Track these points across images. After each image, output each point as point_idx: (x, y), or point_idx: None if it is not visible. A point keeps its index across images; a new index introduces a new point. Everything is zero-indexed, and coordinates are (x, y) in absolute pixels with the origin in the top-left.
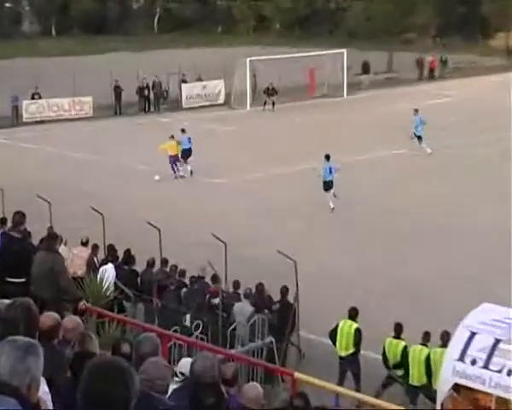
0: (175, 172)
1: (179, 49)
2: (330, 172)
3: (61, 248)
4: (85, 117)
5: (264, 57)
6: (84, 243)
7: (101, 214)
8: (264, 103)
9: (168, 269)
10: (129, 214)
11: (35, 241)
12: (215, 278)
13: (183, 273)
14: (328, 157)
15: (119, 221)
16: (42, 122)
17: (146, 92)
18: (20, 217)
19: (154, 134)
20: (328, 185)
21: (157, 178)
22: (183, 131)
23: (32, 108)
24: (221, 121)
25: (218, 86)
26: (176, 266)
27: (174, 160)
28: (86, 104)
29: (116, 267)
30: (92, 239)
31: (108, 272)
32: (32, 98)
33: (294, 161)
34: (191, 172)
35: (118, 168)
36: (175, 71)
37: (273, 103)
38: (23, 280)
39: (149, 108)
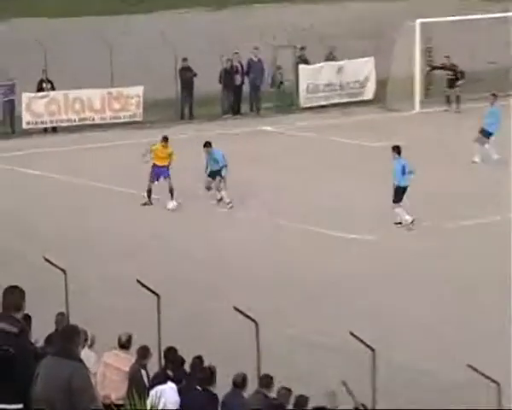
0: (149, 194)
1: (291, 5)
2: None
3: (85, 353)
4: (130, 122)
5: (448, 18)
6: (124, 345)
7: (156, 294)
8: (448, 99)
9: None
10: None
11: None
12: None
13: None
14: None
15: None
16: (54, 131)
17: (237, 79)
18: (16, 297)
19: (246, 154)
20: None
21: (171, 205)
22: (204, 145)
23: (39, 107)
24: (370, 132)
25: (364, 69)
26: (288, 390)
27: (159, 172)
28: (132, 100)
29: (182, 389)
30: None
31: (167, 395)
32: (39, 89)
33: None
34: (229, 204)
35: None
36: (283, 42)
37: (457, 98)
38: (17, 408)
39: (238, 107)
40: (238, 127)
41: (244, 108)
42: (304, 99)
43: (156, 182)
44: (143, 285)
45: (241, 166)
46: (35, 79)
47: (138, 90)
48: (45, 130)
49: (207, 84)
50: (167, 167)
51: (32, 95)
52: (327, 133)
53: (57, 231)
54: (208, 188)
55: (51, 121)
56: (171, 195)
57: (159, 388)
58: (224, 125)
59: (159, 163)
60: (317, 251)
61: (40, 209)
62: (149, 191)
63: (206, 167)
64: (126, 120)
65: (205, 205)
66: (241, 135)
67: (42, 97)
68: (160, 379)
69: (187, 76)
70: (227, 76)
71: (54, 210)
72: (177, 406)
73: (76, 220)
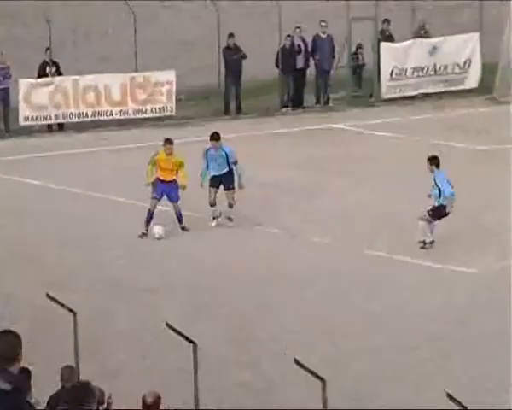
0: (148, 221)
1: None
2: None
3: None
4: (159, 117)
5: None
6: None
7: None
8: None
9: None
10: None
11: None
12: None
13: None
14: None
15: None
16: (60, 128)
17: (299, 62)
18: (10, 345)
19: (310, 159)
20: None
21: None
22: (214, 137)
23: (41, 97)
24: (470, 131)
25: (465, 49)
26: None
27: (164, 189)
28: (161, 89)
29: None
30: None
31: None
32: (42, 74)
33: None
34: (229, 219)
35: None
36: (359, 13)
37: None
38: None
39: (300, 98)
40: (300, 124)
41: (308, 99)
42: (386, 88)
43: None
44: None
45: (304, 172)
46: (36, 61)
47: (170, 75)
48: (49, 127)
49: (260, 67)
50: (175, 185)
51: (33, 81)
52: (415, 133)
53: (67, 269)
54: (213, 204)
55: (56, 116)
56: (179, 220)
57: None
58: (282, 122)
59: (163, 176)
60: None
61: (42, 236)
62: (149, 217)
63: (206, 171)
64: (154, 114)
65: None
66: (305, 134)
67: (45, 85)
68: None
69: (233, 57)
70: (286, 57)
71: (59, 238)
72: None
73: (87, 253)
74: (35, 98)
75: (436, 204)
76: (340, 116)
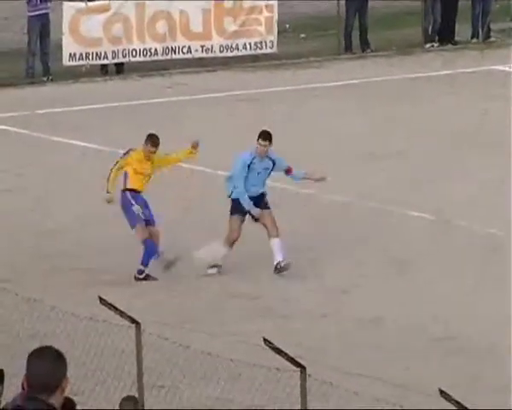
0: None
1: None
2: None
3: None
4: (256, 56)
5: None
6: None
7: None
8: None
9: None
10: None
11: None
12: None
13: None
14: None
15: None
16: (119, 72)
17: None
18: (50, 368)
19: (467, 117)
20: None
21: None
22: (266, 136)
23: (93, 28)
24: None
25: None
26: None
27: (129, 203)
28: (260, 17)
29: None
30: None
31: None
32: None
33: None
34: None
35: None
36: None
37: None
38: None
39: (449, 31)
40: (451, 65)
41: (462, 30)
42: None
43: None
44: None
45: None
46: None
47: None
48: (103, 69)
49: None
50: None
51: (82, 5)
52: None
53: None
54: (235, 240)
55: (114, 54)
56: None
57: None
58: (424, 62)
59: (138, 186)
60: None
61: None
62: (153, 250)
63: (244, 191)
64: (248, 51)
65: None
66: (455, 79)
67: (97, 10)
68: None
69: None
70: None
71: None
72: None
73: None
74: (85, 29)
75: None
76: (505, 55)
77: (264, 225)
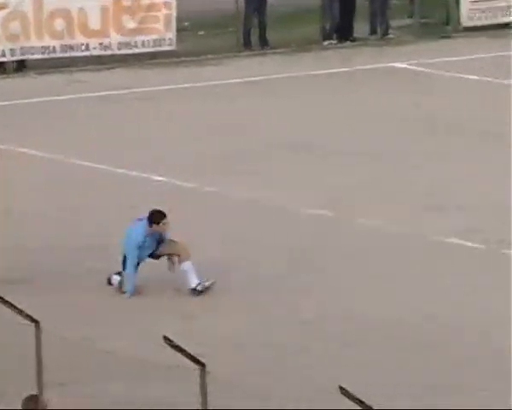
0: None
1: None
2: None
3: None
4: (155, 53)
5: None
6: None
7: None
8: None
9: None
10: None
11: None
12: None
13: None
14: None
15: None
16: (19, 69)
17: None
18: None
19: (358, 111)
20: None
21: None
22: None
23: None
24: None
25: None
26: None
27: None
28: (157, 14)
29: None
30: None
31: None
32: None
33: None
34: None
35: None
36: None
37: None
38: None
39: (349, 27)
40: (349, 63)
41: (360, 28)
42: (468, 12)
43: None
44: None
45: (347, 130)
46: None
47: None
48: (1, 67)
49: None
50: None
51: None
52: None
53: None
54: None
55: (12, 52)
56: None
57: None
58: (320, 59)
59: None
60: None
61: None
62: None
63: (130, 270)
64: (147, 49)
65: None
66: (354, 76)
67: None
68: None
69: None
70: None
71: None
72: None
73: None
74: None
75: None
76: (403, 52)
77: (175, 253)
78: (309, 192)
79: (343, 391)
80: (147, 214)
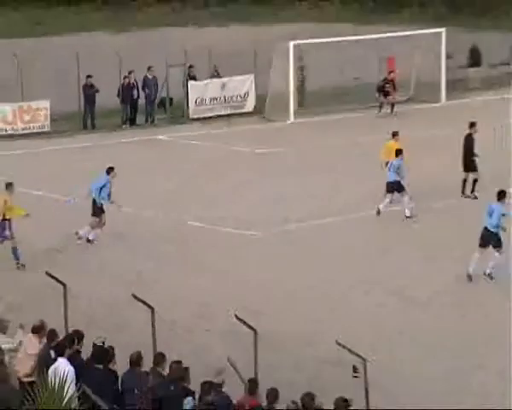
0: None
1: (182, 28)
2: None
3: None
4: (39, 132)
5: (317, 40)
6: (37, 330)
7: (63, 284)
8: (380, 107)
9: (164, 370)
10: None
11: None
12: (251, 387)
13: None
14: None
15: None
16: None
17: (133, 94)
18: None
19: (143, 160)
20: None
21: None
22: (109, 170)
23: None
24: (250, 140)
25: (244, 85)
26: (178, 363)
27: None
28: (40, 113)
29: (82, 366)
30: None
31: (60, 367)
32: None
33: (361, 203)
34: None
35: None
36: (177, 61)
37: (392, 106)
38: None
39: (135, 118)
40: (135, 136)
41: (140, 119)
42: (193, 111)
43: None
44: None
45: (137, 172)
46: None
47: (45, 103)
48: None
49: (108, 98)
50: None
51: None
52: (213, 141)
53: None
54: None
55: None
56: None
57: (53, 366)
58: (122, 135)
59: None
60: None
61: None
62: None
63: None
64: (36, 130)
65: None
66: (138, 143)
67: None
68: (48, 359)
69: (90, 91)
70: (125, 91)
71: None
72: (71, 374)
73: None
74: None
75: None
76: (162, 131)
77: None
78: None
79: (338, 343)
80: None
